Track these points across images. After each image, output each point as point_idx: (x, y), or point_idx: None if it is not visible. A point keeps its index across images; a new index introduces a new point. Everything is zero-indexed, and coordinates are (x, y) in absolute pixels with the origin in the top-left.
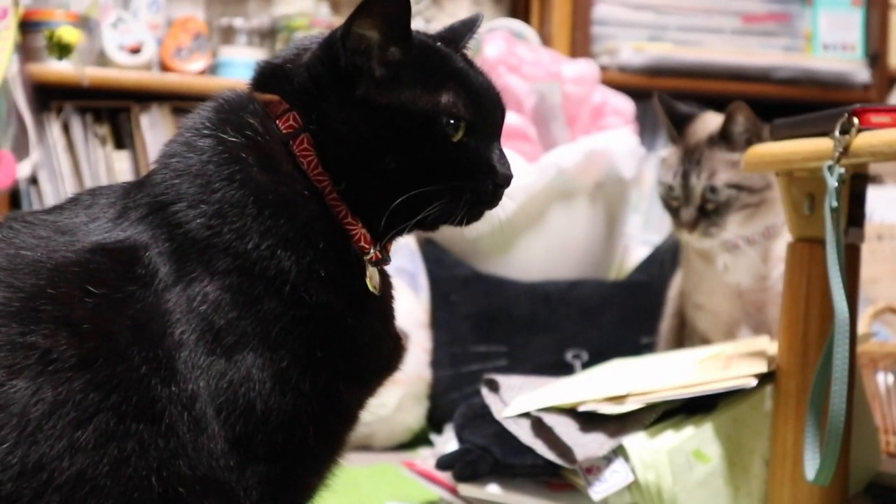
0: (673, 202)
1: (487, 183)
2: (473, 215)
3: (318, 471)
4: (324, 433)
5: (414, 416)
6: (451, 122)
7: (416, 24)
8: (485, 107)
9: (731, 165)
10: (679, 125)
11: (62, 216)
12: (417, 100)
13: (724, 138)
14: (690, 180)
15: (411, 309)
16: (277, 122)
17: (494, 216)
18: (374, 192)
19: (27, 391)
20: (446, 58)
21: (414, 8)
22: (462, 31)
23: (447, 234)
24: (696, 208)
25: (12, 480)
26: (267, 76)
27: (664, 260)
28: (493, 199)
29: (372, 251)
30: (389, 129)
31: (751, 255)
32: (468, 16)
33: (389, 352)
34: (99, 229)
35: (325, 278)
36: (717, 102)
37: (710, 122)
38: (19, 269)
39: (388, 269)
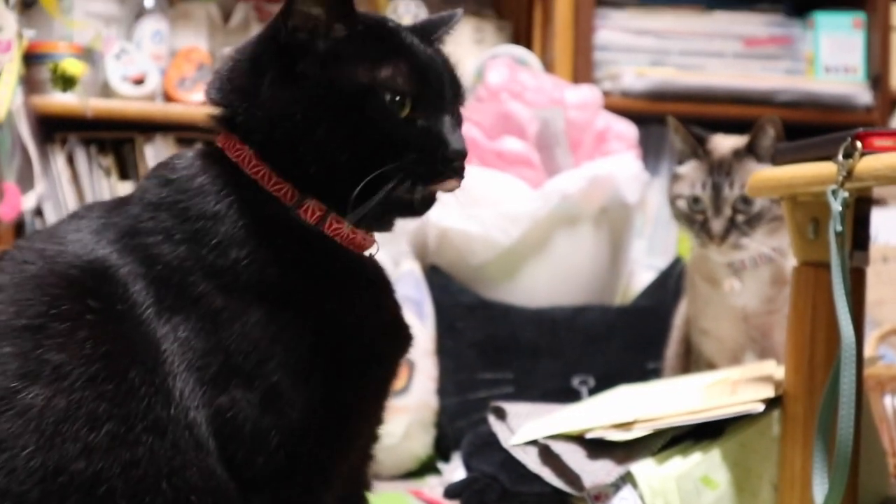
0: (698, 215)
1: (435, 158)
2: (427, 198)
3: (329, 480)
4: (333, 439)
5: (421, 443)
6: (394, 97)
7: None
8: (430, 80)
9: None
10: (698, 142)
11: (59, 229)
12: (357, 74)
13: (750, 151)
14: (723, 191)
15: (417, 337)
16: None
17: (499, 242)
18: (319, 172)
19: (41, 398)
20: (391, 33)
21: None
22: (437, 22)
23: (452, 261)
24: (727, 219)
25: (37, 484)
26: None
27: (669, 284)
28: (443, 173)
29: (345, 229)
30: (329, 105)
31: (758, 276)
32: (482, 41)
33: (389, 335)
34: (88, 244)
35: (295, 274)
36: (719, 126)
37: (726, 140)
38: (23, 284)
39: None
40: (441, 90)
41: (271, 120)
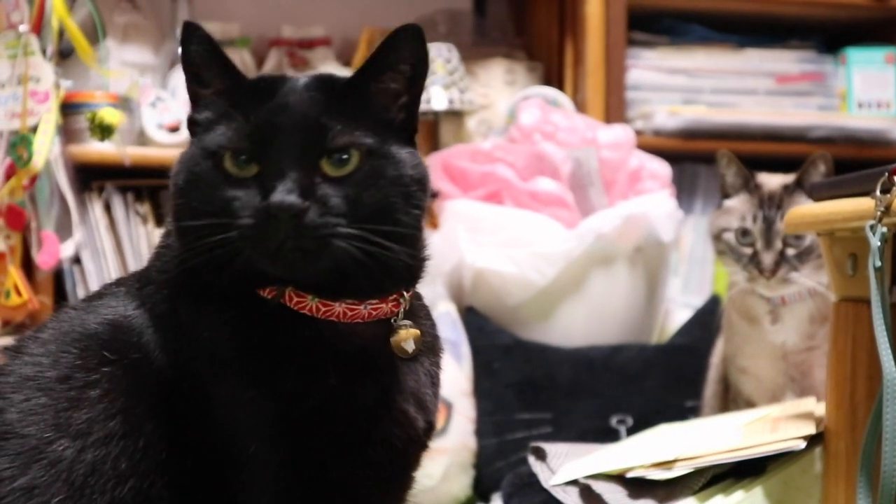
0: (746, 248)
1: (260, 215)
2: (262, 257)
3: None
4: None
5: (460, 485)
6: (230, 155)
7: (451, 95)
8: (266, 133)
9: None
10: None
11: (101, 290)
12: (198, 142)
13: (800, 185)
14: (774, 225)
15: (454, 378)
16: None
17: (535, 283)
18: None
19: (72, 451)
20: (244, 91)
21: (448, 78)
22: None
23: (488, 302)
24: (778, 253)
25: None
26: None
27: (706, 322)
28: (268, 236)
29: (310, 303)
30: (177, 180)
31: (797, 312)
32: (509, 87)
33: (371, 417)
34: (119, 300)
35: (253, 353)
36: (752, 163)
37: (772, 177)
38: (61, 338)
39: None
40: (274, 141)
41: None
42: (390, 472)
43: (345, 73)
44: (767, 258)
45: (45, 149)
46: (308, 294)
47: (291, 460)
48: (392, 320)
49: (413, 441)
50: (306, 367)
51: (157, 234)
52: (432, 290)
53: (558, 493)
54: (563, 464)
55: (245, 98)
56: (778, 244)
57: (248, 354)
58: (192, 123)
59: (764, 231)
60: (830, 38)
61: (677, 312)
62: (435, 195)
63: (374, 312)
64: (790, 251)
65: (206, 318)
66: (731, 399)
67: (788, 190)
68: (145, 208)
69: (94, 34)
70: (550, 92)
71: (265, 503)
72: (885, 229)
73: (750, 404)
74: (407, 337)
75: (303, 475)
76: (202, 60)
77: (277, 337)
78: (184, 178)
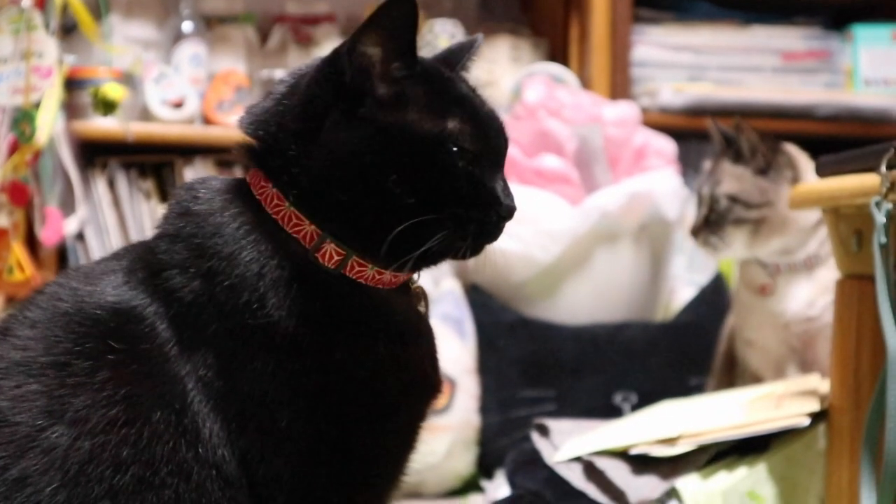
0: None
1: (492, 214)
2: (476, 248)
3: None
4: (347, 484)
5: (464, 462)
6: (457, 149)
7: None
8: (489, 136)
9: (735, 178)
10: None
11: (95, 269)
12: (423, 122)
13: (736, 153)
14: (702, 189)
15: (458, 355)
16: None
17: (539, 260)
18: (372, 218)
19: (66, 438)
20: (450, 82)
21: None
22: (460, 53)
23: (492, 279)
24: (703, 217)
25: None
26: (251, 123)
27: (710, 300)
28: (495, 232)
29: (368, 271)
30: (393, 151)
31: (793, 280)
32: (512, 62)
33: (409, 387)
34: (119, 285)
35: (304, 322)
36: None
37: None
38: (54, 321)
39: (435, 315)
40: (499, 149)
41: (330, 162)
42: (408, 436)
43: None
44: (694, 221)
45: (49, 125)
46: (369, 262)
47: (325, 431)
48: (409, 282)
49: (428, 403)
50: (360, 336)
51: (160, 209)
52: (437, 267)
53: (562, 470)
54: (567, 441)
55: (438, 85)
56: (703, 209)
57: (301, 324)
58: (361, 94)
59: (697, 195)
60: (837, 14)
61: (682, 290)
62: None
63: (405, 278)
64: (713, 216)
65: (258, 292)
66: (738, 374)
67: (721, 157)
68: (149, 184)
69: (98, 9)
70: (556, 69)
71: (287, 479)
72: (890, 205)
73: (756, 378)
74: (422, 297)
75: (331, 446)
76: (403, 30)
77: (332, 307)
78: (397, 156)
